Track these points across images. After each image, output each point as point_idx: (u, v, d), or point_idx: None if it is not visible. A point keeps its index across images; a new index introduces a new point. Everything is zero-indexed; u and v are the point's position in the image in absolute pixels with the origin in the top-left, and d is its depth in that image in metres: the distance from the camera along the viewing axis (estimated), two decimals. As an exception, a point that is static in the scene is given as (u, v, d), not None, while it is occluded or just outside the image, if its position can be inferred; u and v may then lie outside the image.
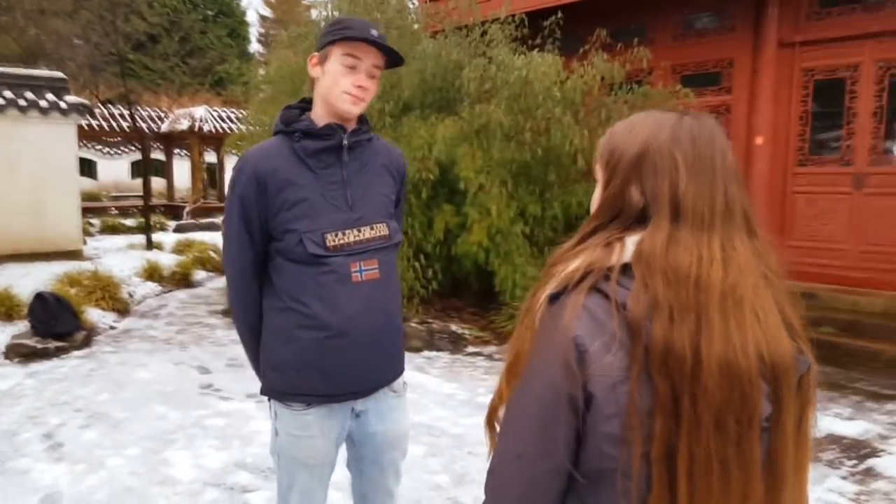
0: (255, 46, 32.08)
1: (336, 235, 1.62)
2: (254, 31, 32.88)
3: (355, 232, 1.65)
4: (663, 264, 0.81)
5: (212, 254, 9.54)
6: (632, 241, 0.85)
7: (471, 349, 5.60)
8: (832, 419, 4.03)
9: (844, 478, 3.28)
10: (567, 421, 0.82)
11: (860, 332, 5.58)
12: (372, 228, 1.68)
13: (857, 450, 3.60)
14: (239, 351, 5.54)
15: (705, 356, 0.77)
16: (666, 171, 0.84)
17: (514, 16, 6.46)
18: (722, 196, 0.84)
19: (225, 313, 6.81)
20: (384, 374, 1.77)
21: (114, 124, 17.59)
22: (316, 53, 1.65)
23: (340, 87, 1.60)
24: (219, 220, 15.94)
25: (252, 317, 1.73)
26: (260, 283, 1.72)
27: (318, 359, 1.64)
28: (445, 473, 3.27)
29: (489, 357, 5.37)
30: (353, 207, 1.66)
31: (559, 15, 6.43)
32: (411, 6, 7.54)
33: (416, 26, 6.95)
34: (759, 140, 6.70)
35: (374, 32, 1.61)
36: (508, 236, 5.38)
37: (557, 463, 0.84)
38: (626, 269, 0.84)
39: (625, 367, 0.79)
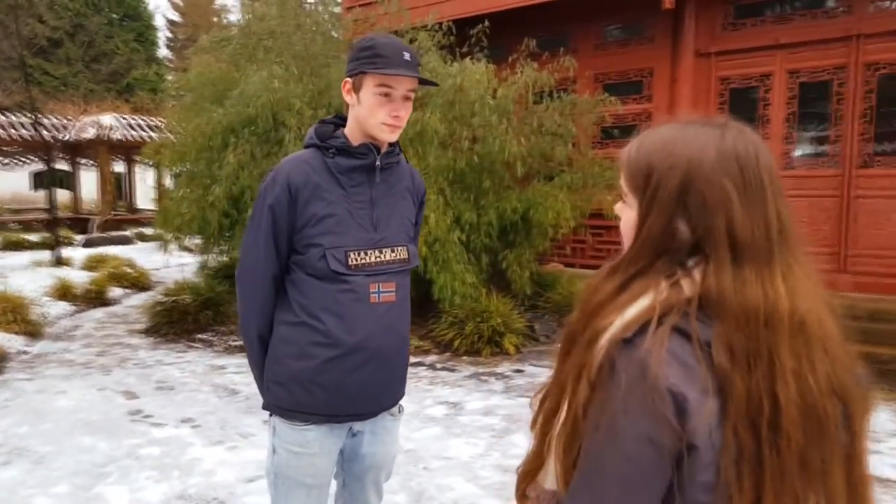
0: (163, 51, 30.73)
1: (359, 255, 1.62)
2: (162, 36, 31.51)
3: (377, 253, 1.65)
4: (734, 306, 0.76)
5: (127, 269, 9.03)
6: (699, 272, 0.79)
7: (412, 359, 5.52)
8: None
9: None
10: (664, 476, 0.76)
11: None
12: (393, 251, 1.68)
13: None
14: (169, 372, 5.29)
15: (783, 402, 0.74)
16: (718, 203, 0.78)
17: (441, 23, 6.47)
18: (776, 220, 0.79)
19: (147, 332, 6.44)
20: (390, 397, 1.77)
21: (12, 133, 16.36)
22: (348, 79, 1.63)
23: (377, 118, 1.61)
24: (130, 233, 15.13)
25: (265, 329, 1.70)
26: (276, 295, 1.69)
27: (327, 377, 1.62)
28: (403, 492, 3.19)
29: (431, 367, 5.32)
30: (378, 228, 1.66)
31: (486, 24, 6.49)
32: (337, 10, 7.43)
33: (334, 34, 6.84)
34: (680, 146, 6.98)
35: (407, 57, 1.59)
36: (446, 244, 5.36)
37: None
38: (699, 302, 0.78)
39: (716, 412, 0.75)
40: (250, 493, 3.21)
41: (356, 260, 1.61)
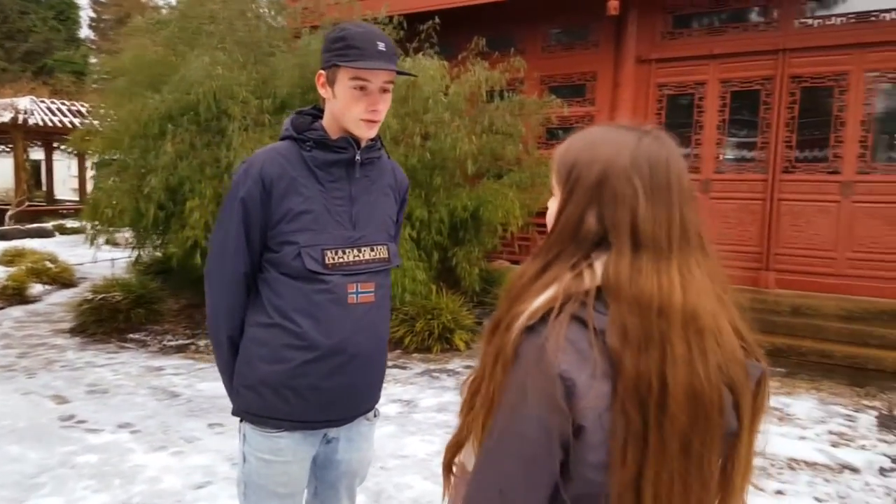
0: (85, 32, 28.99)
1: (336, 253, 1.55)
2: (84, 16, 29.72)
3: (355, 252, 1.58)
4: (628, 294, 0.81)
5: (48, 264, 8.46)
6: (600, 264, 0.85)
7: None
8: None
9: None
10: (554, 455, 0.81)
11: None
12: (372, 250, 1.61)
13: None
14: (101, 375, 4.99)
15: (671, 385, 0.78)
16: (626, 198, 0.84)
17: (391, 17, 6.40)
18: (678, 221, 0.85)
19: (73, 331, 6.06)
20: (366, 402, 1.70)
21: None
22: (322, 72, 1.55)
23: (354, 113, 1.53)
24: (49, 225, 14.21)
25: (235, 331, 1.61)
26: (248, 295, 1.61)
27: (301, 381, 1.55)
28: (362, 493, 3.12)
29: (379, 365, 5.26)
30: (357, 226, 1.59)
31: (436, 20, 6.46)
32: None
33: (279, 20, 6.65)
34: (620, 148, 7.19)
35: (382, 47, 1.50)
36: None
37: (542, 495, 0.83)
38: (598, 292, 0.84)
39: (607, 395, 0.79)
40: (200, 500, 3.07)
41: (333, 259, 1.54)
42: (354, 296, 1.56)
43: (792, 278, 6.49)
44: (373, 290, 1.60)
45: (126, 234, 6.98)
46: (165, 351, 5.64)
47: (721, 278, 0.88)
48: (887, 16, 5.99)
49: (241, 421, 1.64)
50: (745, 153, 6.84)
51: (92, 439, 3.72)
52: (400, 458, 3.54)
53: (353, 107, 1.51)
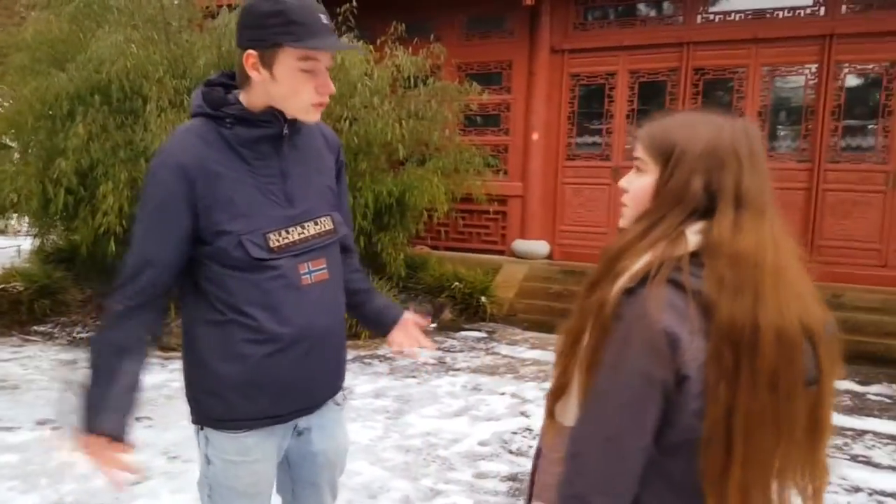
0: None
1: (279, 235, 1.43)
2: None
3: (299, 229, 1.46)
4: (729, 249, 0.94)
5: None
6: (691, 232, 0.98)
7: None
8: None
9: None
10: (657, 403, 0.93)
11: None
12: (316, 224, 1.49)
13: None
14: (8, 370, 4.65)
15: (763, 325, 0.91)
16: (731, 165, 0.97)
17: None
18: (768, 189, 1.00)
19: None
20: (335, 383, 1.62)
21: None
22: (253, 52, 1.35)
23: (303, 99, 1.39)
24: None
25: (133, 342, 1.42)
26: (166, 303, 1.46)
27: (266, 376, 1.44)
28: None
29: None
30: (294, 203, 1.46)
31: (353, 3, 6.40)
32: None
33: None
34: (535, 136, 7.45)
35: (325, 20, 1.37)
36: (322, 226, 5.25)
37: (646, 440, 0.94)
38: (691, 258, 0.96)
39: (703, 349, 0.92)
40: (138, 498, 2.97)
41: (278, 241, 1.42)
42: (308, 276, 1.46)
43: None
44: (325, 266, 1.50)
45: (22, 221, 6.48)
46: (76, 343, 5.33)
47: (794, 240, 1.01)
48: (780, 14, 6.53)
49: (200, 428, 1.52)
50: (652, 141, 7.26)
51: (9, 438, 3.50)
52: (343, 441, 3.56)
53: (301, 91, 1.37)
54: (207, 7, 6.20)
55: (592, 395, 0.96)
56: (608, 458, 0.94)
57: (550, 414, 1.08)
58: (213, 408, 1.48)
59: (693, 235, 0.97)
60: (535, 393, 4.42)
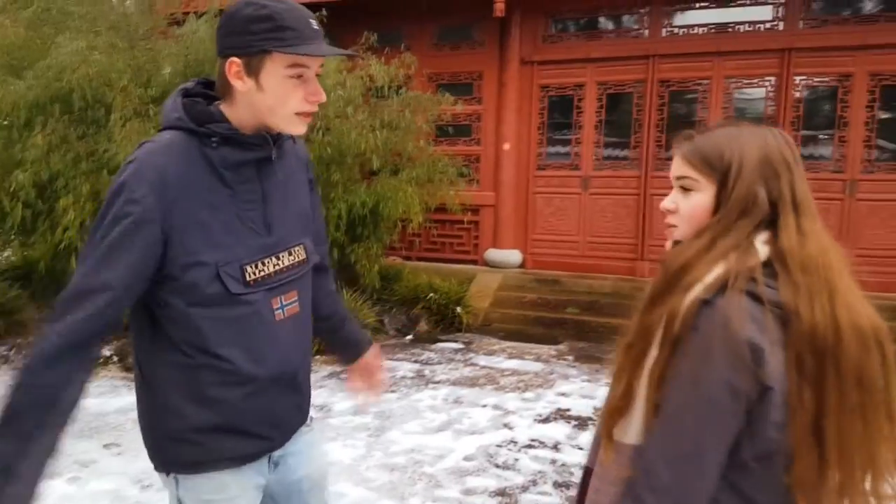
0: None
1: (256, 267, 1.30)
2: None
3: (274, 261, 1.34)
4: (798, 255, 0.95)
5: None
6: (760, 243, 0.97)
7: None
8: (606, 388, 4.71)
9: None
10: (739, 417, 0.91)
11: (599, 311, 6.60)
12: (290, 254, 1.38)
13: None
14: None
15: (843, 324, 0.91)
16: (784, 173, 0.99)
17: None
18: (810, 191, 1.02)
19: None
20: (306, 413, 1.53)
21: None
22: (237, 59, 1.24)
23: (291, 108, 1.27)
24: None
25: (75, 384, 1.21)
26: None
27: (243, 419, 1.35)
28: None
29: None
30: (272, 230, 1.35)
31: (323, 11, 6.32)
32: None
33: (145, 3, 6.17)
34: (506, 146, 7.47)
35: (315, 25, 1.26)
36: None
37: (723, 456, 0.92)
38: (763, 268, 0.95)
39: (783, 359, 0.91)
40: (112, 526, 2.82)
41: (254, 274, 1.30)
42: (281, 311, 1.36)
43: (663, 267, 7.09)
44: (296, 298, 1.40)
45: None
46: (35, 365, 5.06)
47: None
48: (741, 28, 6.71)
49: (168, 474, 1.39)
50: (621, 152, 7.37)
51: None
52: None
53: (290, 99, 1.26)
54: (172, 14, 6.03)
55: (669, 410, 0.94)
56: (685, 475, 0.92)
57: (608, 433, 1.04)
58: (182, 454, 1.35)
59: (762, 246, 0.97)
60: (517, 404, 4.38)
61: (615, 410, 1.01)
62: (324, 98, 1.31)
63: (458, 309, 6.23)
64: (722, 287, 0.93)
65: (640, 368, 0.98)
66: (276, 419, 1.41)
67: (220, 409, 1.31)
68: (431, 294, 6.29)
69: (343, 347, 1.75)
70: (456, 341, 5.93)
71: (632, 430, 1.00)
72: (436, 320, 6.25)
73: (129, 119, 4.70)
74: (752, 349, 0.89)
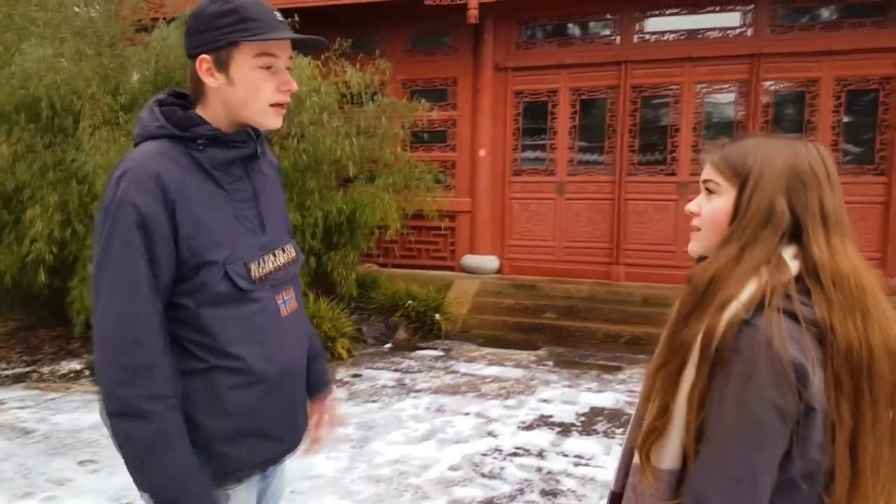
0: None
1: (259, 264, 1.32)
2: None
3: (272, 258, 1.36)
4: (830, 271, 0.94)
5: None
6: (788, 256, 0.96)
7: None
8: (588, 394, 4.73)
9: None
10: (785, 438, 0.90)
11: (576, 315, 6.63)
12: (284, 252, 1.40)
13: (620, 419, 4.30)
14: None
15: (875, 345, 0.91)
16: (813, 186, 0.97)
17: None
18: (844, 207, 1.00)
19: None
20: (307, 413, 1.52)
21: None
22: (206, 56, 1.26)
23: (263, 99, 1.27)
24: None
25: (175, 402, 1.23)
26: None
27: (260, 422, 1.32)
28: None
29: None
30: (266, 229, 1.37)
31: (296, 17, 6.26)
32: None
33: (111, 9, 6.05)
34: (482, 152, 7.48)
35: (280, 17, 1.28)
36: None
37: (774, 478, 0.91)
38: (797, 279, 0.95)
39: (822, 378, 0.90)
40: (88, 548, 2.72)
41: (258, 271, 1.32)
42: (284, 307, 1.37)
43: (639, 271, 7.16)
44: (293, 296, 1.42)
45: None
46: (2, 382, 4.89)
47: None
48: (711, 34, 6.82)
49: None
50: (595, 157, 7.43)
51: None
52: (310, 479, 3.38)
53: (262, 90, 1.27)
54: (139, 20, 5.90)
55: (717, 436, 0.91)
56: (739, 500, 0.90)
57: (647, 456, 1.00)
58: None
59: (791, 260, 0.96)
60: (500, 411, 4.36)
61: (652, 432, 0.98)
62: (296, 87, 1.32)
63: (437, 316, 6.20)
64: (759, 305, 0.92)
65: (675, 389, 0.96)
66: (290, 420, 1.40)
67: (236, 414, 1.29)
68: (410, 301, 6.25)
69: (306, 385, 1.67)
70: (435, 348, 5.90)
71: (667, 455, 0.97)
72: (414, 328, 6.21)
73: (98, 127, 4.58)
74: (797, 369, 0.88)
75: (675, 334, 0.98)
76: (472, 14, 6.78)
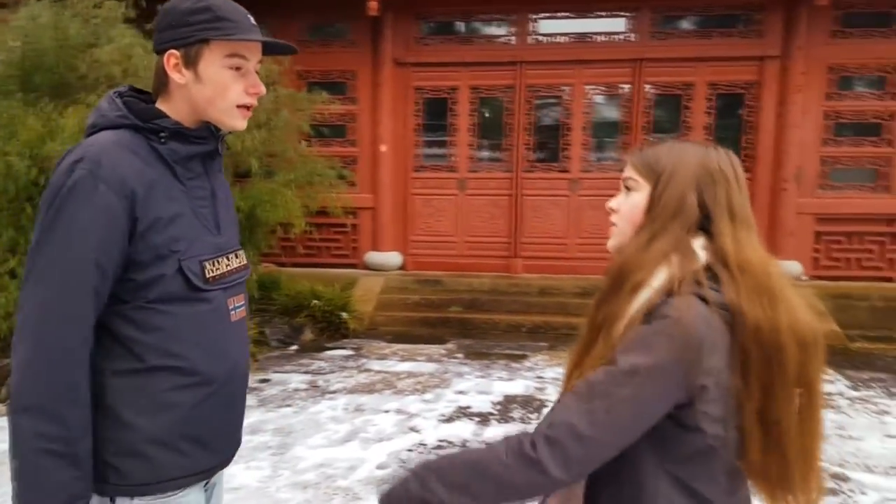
0: None
1: (213, 264, 1.30)
2: None
3: (225, 261, 1.34)
4: (735, 261, 1.02)
5: None
6: (697, 247, 1.05)
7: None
8: (500, 382, 4.85)
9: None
10: (665, 404, 0.98)
11: (480, 308, 6.77)
12: (236, 256, 1.38)
13: (534, 404, 4.44)
14: None
15: (782, 327, 1.00)
16: (722, 182, 1.07)
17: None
18: (749, 205, 1.10)
19: None
20: (241, 427, 1.46)
21: None
22: (175, 52, 1.25)
23: (231, 99, 1.27)
24: None
25: (86, 408, 1.18)
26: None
27: (200, 425, 1.28)
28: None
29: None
30: (221, 230, 1.35)
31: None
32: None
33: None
34: (383, 147, 7.42)
35: (253, 20, 1.29)
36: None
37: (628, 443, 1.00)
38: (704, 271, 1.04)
39: (725, 356, 0.99)
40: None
41: (212, 271, 1.29)
42: (234, 311, 1.35)
43: (536, 263, 7.43)
44: (243, 303, 1.40)
45: None
46: None
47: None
48: (599, 38, 7.19)
49: (112, 500, 1.26)
50: (494, 154, 7.61)
51: None
52: (232, 490, 3.19)
53: (229, 90, 1.26)
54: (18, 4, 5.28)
55: (591, 383, 0.99)
56: (595, 456, 1.00)
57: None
58: (133, 472, 1.24)
59: (700, 250, 1.04)
60: (420, 406, 4.37)
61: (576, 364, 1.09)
62: (264, 91, 1.32)
63: (344, 315, 6.09)
64: (668, 291, 1.00)
65: (588, 364, 1.05)
66: (229, 427, 1.36)
67: (175, 415, 1.25)
68: (315, 301, 6.09)
69: None
70: (344, 348, 5.79)
71: None
72: (321, 328, 6.07)
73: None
74: (700, 348, 0.96)
75: (592, 316, 1.08)
76: (372, 6, 6.69)
